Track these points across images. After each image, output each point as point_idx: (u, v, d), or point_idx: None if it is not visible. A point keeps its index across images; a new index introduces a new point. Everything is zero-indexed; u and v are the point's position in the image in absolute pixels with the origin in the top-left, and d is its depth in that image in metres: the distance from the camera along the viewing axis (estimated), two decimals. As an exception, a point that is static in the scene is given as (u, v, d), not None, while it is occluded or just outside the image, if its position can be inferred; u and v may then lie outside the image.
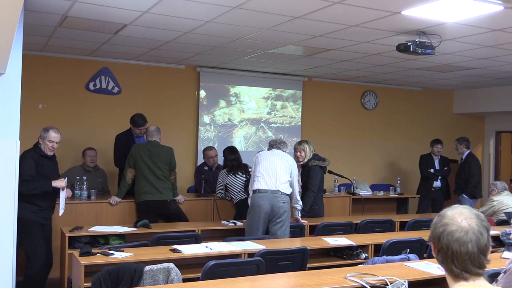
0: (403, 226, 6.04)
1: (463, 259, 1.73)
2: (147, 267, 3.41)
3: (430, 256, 4.46)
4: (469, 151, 8.09)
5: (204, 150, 7.02)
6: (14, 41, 3.37)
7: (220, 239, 4.71)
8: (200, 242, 4.58)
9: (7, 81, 4.01)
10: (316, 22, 4.84)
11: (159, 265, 3.46)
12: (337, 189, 7.66)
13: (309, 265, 4.27)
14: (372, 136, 9.31)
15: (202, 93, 7.97)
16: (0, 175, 3.99)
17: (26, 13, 4.45)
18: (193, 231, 5.12)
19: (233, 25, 5.07)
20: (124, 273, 3.35)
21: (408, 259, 3.93)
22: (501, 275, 2.67)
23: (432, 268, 3.57)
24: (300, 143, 6.30)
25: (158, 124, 6.15)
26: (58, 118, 6.82)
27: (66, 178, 5.12)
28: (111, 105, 7.34)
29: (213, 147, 7.10)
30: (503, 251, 4.43)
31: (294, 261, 4.12)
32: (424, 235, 4.81)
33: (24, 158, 4.72)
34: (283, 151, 5.42)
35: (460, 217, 1.77)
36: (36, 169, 4.82)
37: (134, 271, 3.36)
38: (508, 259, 2.80)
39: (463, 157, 8.10)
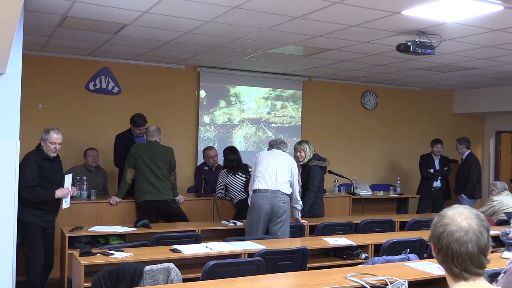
0: (403, 226, 6.05)
1: (463, 259, 1.73)
2: (147, 267, 3.41)
3: (430, 256, 4.46)
4: (469, 151, 8.10)
5: (204, 150, 7.02)
6: (14, 41, 3.37)
7: (220, 239, 4.72)
8: (200, 242, 4.59)
9: (7, 81, 4.01)
10: (316, 22, 4.84)
11: (159, 265, 3.46)
12: (337, 189, 7.66)
13: (309, 265, 4.27)
14: (372, 136, 9.30)
15: (202, 93, 7.97)
16: (0, 175, 3.99)
17: (26, 13, 4.45)
18: (193, 231, 5.12)
19: (233, 25, 5.06)
20: (124, 273, 3.35)
21: (408, 259, 3.93)
22: (501, 275, 2.67)
23: (432, 268, 3.57)
24: (300, 143, 6.30)
25: (158, 124, 6.15)
26: (58, 118, 6.81)
27: (71, 174, 5.09)
28: (111, 105, 7.34)
29: (213, 147, 7.10)
30: (503, 251, 4.43)
31: (294, 261, 4.12)
32: (424, 235, 4.82)
33: (26, 161, 4.66)
34: (283, 151, 5.43)
35: (460, 217, 1.77)
36: (39, 173, 4.72)
37: (134, 271, 3.36)
38: (508, 259, 2.80)
39: (464, 157, 8.10)
